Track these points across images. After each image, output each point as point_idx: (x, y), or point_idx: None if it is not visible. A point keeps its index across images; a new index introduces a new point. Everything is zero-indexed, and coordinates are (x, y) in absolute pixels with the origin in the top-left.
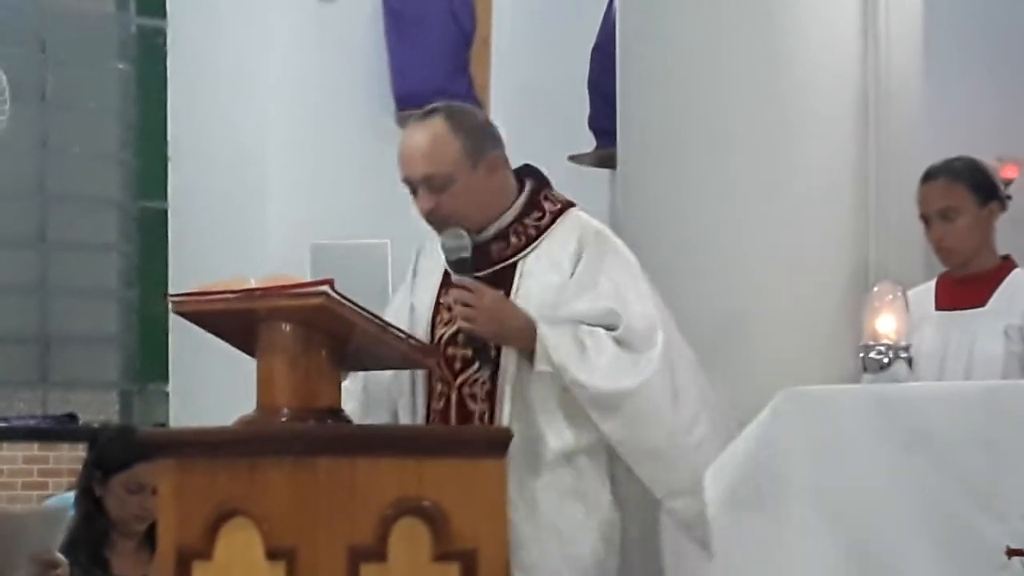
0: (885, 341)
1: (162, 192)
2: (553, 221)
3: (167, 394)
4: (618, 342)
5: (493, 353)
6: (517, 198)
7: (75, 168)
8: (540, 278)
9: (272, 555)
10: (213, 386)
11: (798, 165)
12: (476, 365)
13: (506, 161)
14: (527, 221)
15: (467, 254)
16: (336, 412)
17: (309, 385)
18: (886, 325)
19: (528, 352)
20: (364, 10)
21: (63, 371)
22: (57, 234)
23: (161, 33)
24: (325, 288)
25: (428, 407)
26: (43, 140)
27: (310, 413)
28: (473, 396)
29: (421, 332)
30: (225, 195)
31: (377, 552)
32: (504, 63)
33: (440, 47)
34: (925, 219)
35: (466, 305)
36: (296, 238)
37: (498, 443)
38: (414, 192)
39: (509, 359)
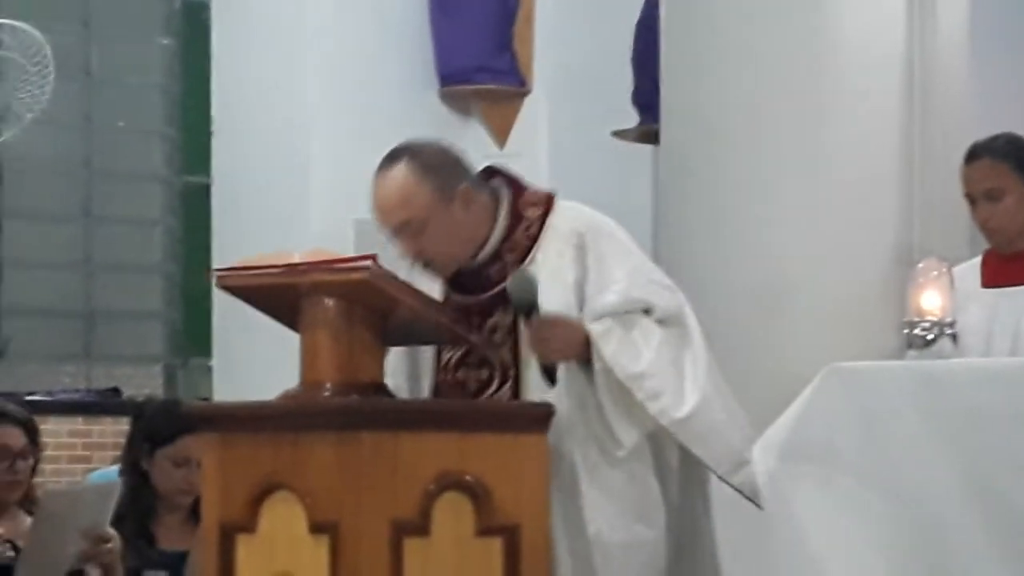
0: (930, 318)
1: (206, 167)
2: (541, 227)
3: (211, 368)
4: (659, 321)
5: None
6: (497, 215)
7: (119, 143)
8: (545, 291)
9: (315, 529)
10: (256, 361)
11: (842, 141)
12: (493, 385)
13: (477, 188)
14: (515, 236)
15: (532, 298)
16: (379, 387)
17: (352, 360)
18: (931, 302)
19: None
20: None
21: (107, 345)
22: (101, 209)
23: (205, 8)
24: (368, 263)
25: None
26: (87, 115)
27: (353, 388)
28: None
29: (427, 357)
30: (269, 170)
31: (420, 526)
32: (547, 39)
33: (483, 23)
34: (970, 199)
35: (542, 340)
36: (339, 213)
37: (540, 419)
38: (394, 240)
39: (529, 373)
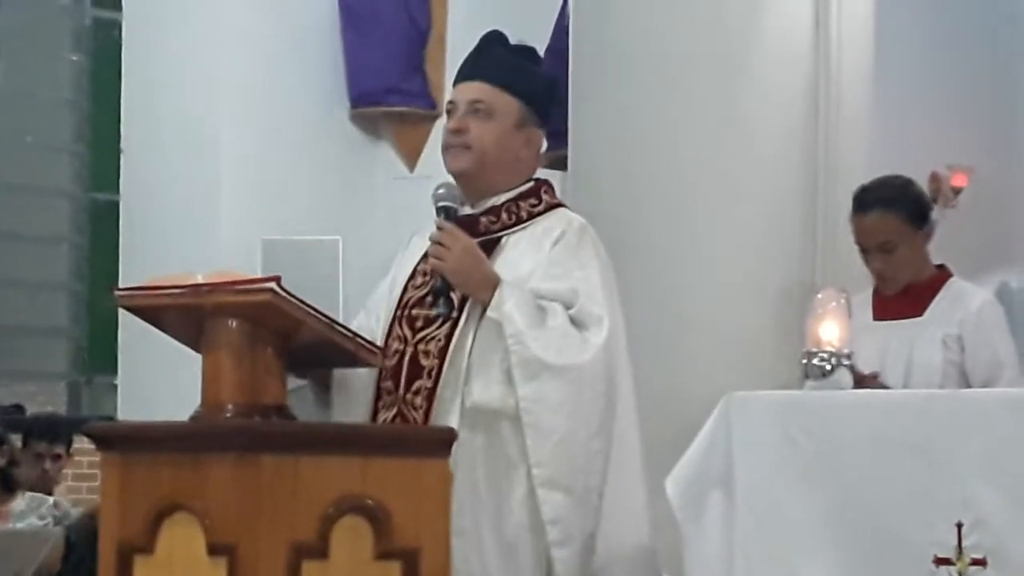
0: (828, 348)
1: (114, 185)
2: (546, 210)
3: (115, 387)
4: (572, 320)
5: (455, 304)
6: (524, 184)
7: (27, 159)
8: (520, 256)
9: (214, 551)
10: (161, 380)
11: (747, 171)
12: (437, 321)
13: (540, 146)
14: (522, 204)
15: (454, 205)
16: (282, 409)
17: (254, 382)
18: (829, 332)
19: (486, 305)
20: (320, 7)
21: (11, 362)
22: (7, 225)
23: (116, 25)
24: (272, 284)
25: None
26: None
27: (255, 409)
28: (427, 353)
29: (396, 293)
30: (177, 189)
31: (319, 550)
32: (459, 62)
33: (395, 45)
34: (862, 248)
35: (440, 245)
36: (248, 233)
37: (442, 443)
38: (451, 114)
39: (470, 321)
